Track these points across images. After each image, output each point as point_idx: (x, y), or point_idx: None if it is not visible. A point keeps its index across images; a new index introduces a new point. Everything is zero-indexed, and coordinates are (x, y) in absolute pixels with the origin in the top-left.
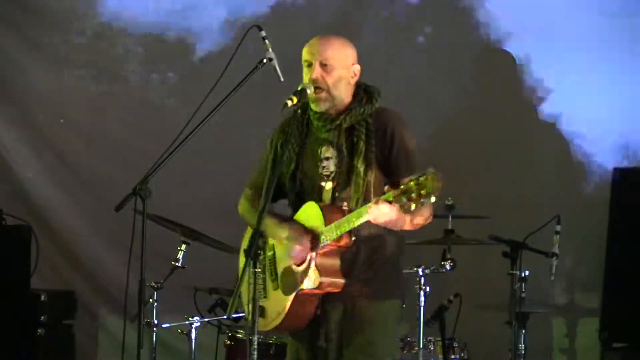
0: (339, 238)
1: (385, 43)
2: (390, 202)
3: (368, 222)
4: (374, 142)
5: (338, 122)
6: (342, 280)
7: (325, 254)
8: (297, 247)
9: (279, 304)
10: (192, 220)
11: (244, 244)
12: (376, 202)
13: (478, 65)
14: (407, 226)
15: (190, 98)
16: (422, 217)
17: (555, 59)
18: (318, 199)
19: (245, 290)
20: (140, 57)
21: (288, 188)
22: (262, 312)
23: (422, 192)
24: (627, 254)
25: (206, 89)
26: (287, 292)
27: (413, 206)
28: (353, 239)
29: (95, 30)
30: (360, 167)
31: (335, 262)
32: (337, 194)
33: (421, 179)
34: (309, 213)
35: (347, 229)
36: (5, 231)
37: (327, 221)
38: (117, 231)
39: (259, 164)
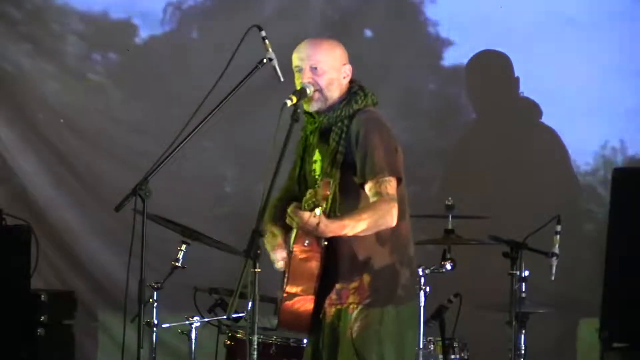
0: (300, 241)
1: (383, 42)
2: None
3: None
4: (344, 143)
5: (316, 124)
6: (312, 285)
7: (299, 259)
8: (277, 253)
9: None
10: (192, 220)
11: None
12: (291, 210)
13: (476, 65)
14: (346, 232)
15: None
16: (359, 223)
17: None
18: None
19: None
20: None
21: (297, 192)
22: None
23: (316, 201)
24: (627, 254)
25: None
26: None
27: (314, 212)
28: (325, 243)
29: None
30: (328, 169)
31: (308, 267)
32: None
33: (316, 186)
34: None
35: (295, 234)
36: (5, 231)
37: None
38: (117, 231)
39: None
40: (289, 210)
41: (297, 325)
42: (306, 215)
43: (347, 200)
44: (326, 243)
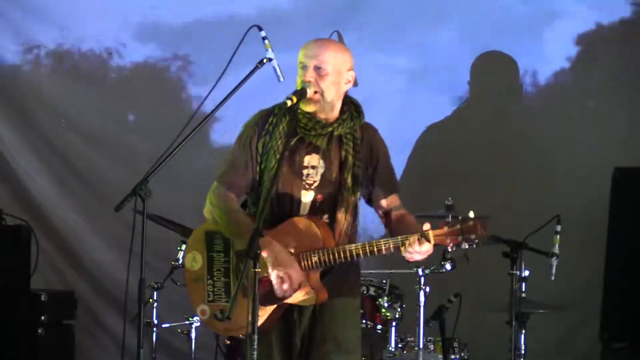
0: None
1: (383, 42)
2: (428, 240)
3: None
4: (359, 156)
5: (330, 129)
6: (326, 292)
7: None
8: (292, 274)
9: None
10: (192, 220)
11: (197, 242)
12: (420, 241)
13: (477, 65)
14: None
15: None
16: None
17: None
18: (295, 207)
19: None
20: None
21: (264, 186)
22: (224, 314)
23: (472, 236)
24: (627, 254)
25: None
26: (265, 303)
27: (452, 246)
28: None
29: None
30: (349, 182)
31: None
32: (317, 205)
33: (470, 223)
34: (300, 228)
35: (359, 256)
36: (5, 231)
37: (325, 242)
38: (117, 231)
39: (231, 157)
40: (423, 244)
41: (265, 329)
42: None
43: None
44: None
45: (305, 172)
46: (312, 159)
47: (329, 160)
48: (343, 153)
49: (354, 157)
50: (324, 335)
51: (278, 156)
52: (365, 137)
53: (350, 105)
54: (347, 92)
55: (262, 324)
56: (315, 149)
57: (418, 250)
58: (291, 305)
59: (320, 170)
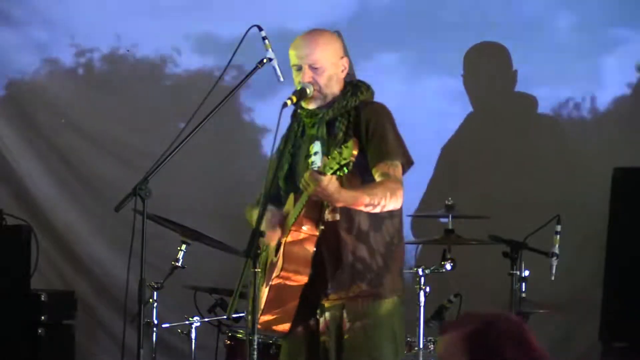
0: (300, 223)
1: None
2: (322, 173)
3: (348, 216)
4: (351, 133)
5: (320, 115)
6: (307, 270)
7: (294, 243)
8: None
9: (262, 299)
10: (192, 220)
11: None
12: (309, 173)
13: (476, 63)
14: (358, 204)
15: None
16: (372, 197)
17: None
18: None
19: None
20: None
21: (282, 190)
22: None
23: (341, 160)
24: (627, 254)
25: None
26: (266, 285)
27: (339, 173)
28: (321, 228)
29: None
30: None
31: (304, 252)
32: None
33: (343, 146)
34: (288, 204)
35: (299, 209)
36: (5, 231)
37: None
38: (118, 231)
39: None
40: (306, 174)
41: (279, 320)
42: (327, 178)
43: (349, 190)
44: (323, 228)
45: (309, 160)
46: (314, 147)
47: (326, 145)
48: (336, 132)
49: (344, 134)
50: (350, 341)
51: (288, 157)
52: (362, 114)
53: (349, 88)
54: (354, 78)
55: (266, 316)
56: (315, 136)
57: (311, 184)
58: (315, 305)
59: (321, 155)
